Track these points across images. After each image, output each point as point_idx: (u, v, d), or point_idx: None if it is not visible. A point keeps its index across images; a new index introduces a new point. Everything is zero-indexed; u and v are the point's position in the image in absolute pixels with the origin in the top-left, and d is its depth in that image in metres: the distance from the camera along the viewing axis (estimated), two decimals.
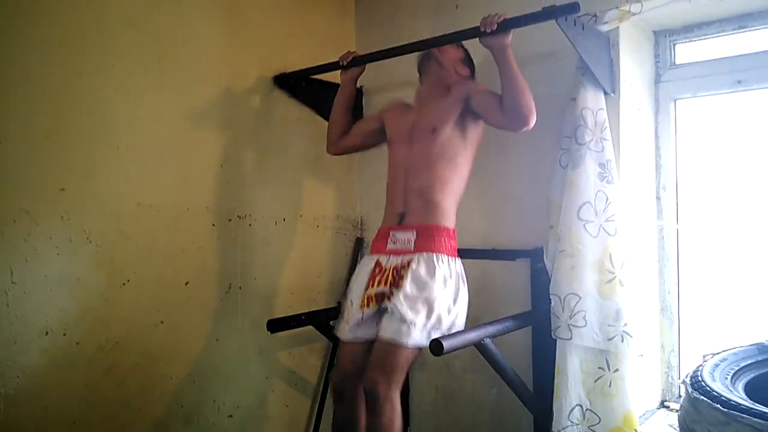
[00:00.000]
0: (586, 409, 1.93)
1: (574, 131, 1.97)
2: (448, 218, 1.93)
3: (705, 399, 1.19)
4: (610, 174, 1.96)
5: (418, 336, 1.75)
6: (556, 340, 1.96)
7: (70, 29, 1.89)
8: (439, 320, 1.80)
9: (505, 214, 2.33)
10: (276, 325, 2.11)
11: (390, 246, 1.93)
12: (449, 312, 1.84)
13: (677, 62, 2.23)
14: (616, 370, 1.91)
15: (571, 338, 1.90)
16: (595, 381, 1.93)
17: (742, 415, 1.10)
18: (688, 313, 2.23)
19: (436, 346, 1.66)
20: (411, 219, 1.93)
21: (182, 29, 2.17)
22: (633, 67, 2.13)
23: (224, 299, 2.29)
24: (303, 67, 2.45)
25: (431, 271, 1.82)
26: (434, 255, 1.85)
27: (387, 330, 1.77)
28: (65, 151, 1.88)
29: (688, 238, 2.24)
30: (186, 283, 2.17)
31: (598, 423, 1.92)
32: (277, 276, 2.48)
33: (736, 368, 1.37)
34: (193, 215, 2.20)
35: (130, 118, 2.02)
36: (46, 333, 1.83)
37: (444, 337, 1.70)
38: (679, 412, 1.30)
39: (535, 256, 2.17)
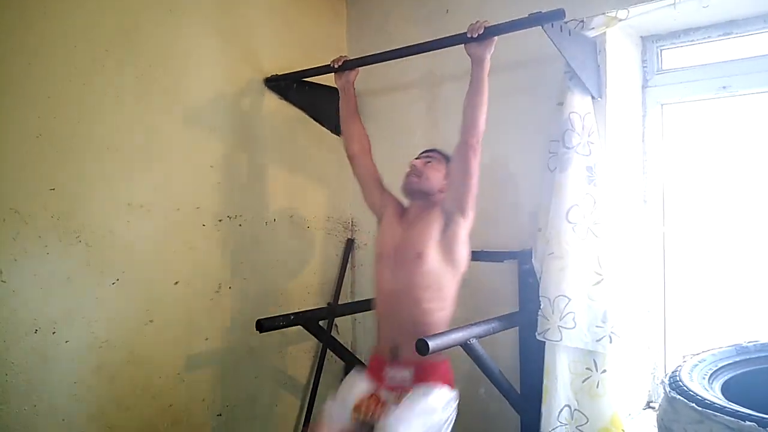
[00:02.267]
0: (575, 410, 1.96)
1: (562, 135, 2.00)
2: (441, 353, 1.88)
3: (682, 398, 1.21)
4: (597, 177, 1.99)
5: None
6: (543, 341, 1.98)
7: (61, 32, 1.90)
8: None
9: (493, 217, 2.35)
10: (265, 325, 2.12)
11: (389, 382, 1.91)
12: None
13: (664, 67, 2.26)
14: (604, 370, 1.93)
15: (561, 340, 1.92)
16: (583, 381, 1.96)
17: (716, 413, 1.12)
18: (674, 314, 2.26)
19: (422, 345, 1.68)
20: (406, 352, 1.88)
21: (174, 32, 2.19)
22: (620, 72, 2.16)
23: (214, 299, 2.30)
24: (293, 70, 2.46)
25: (427, 395, 1.81)
26: (431, 384, 1.84)
27: None
28: (55, 152, 1.89)
29: (674, 240, 2.27)
30: (176, 283, 2.18)
31: (586, 423, 1.94)
32: (267, 276, 2.49)
33: (714, 369, 1.39)
34: (184, 215, 2.21)
35: (121, 119, 2.04)
36: (35, 331, 1.84)
37: (430, 336, 1.72)
38: (658, 412, 1.32)
39: (522, 258, 2.19)
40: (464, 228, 1.93)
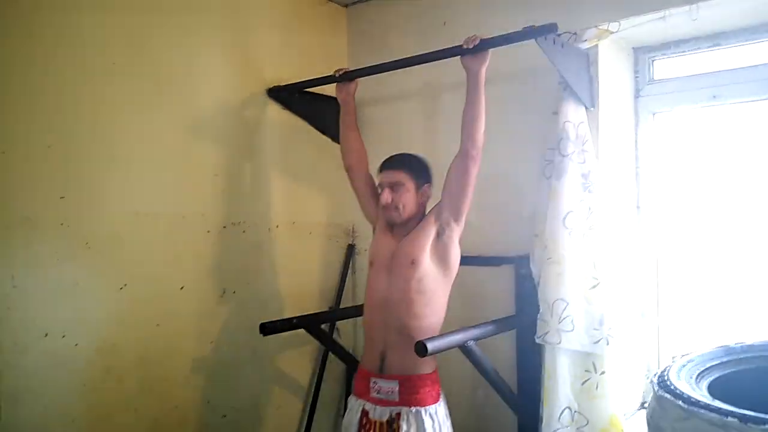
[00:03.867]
0: (575, 412, 2.00)
1: (558, 143, 2.06)
2: (428, 362, 1.93)
3: (669, 397, 1.27)
4: (592, 184, 2.04)
5: None
6: (539, 344, 2.03)
7: (71, 44, 1.97)
8: None
9: (490, 223, 2.41)
10: (268, 328, 2.17)
11: (374, 394, 1.95)
12: None
13: (656, 78, 2.33)
14: (603, 372, 1.98)
15: (560, 342, 1.97)
16: (583, 383, 2.00)
17: (701, 410, 1.18)
18: (667, 317, 2.31)
19: (420, 348, 1.74)
20: (392, 362, 1.93)
21: (180, 45, 2.25)
22: (612, 82, 2.23)
23: (219, 303, 2.36)
24: (295, 81, 2.53)
25: (422, 430, 1.86)
26: (422, 410, 1.89)
27: None
28: (65, 161, 1.95)
29: (667, 245, 2.32)
30: (182, 288, 2.24)
31: (586, 425, 1.99)
32: (271, 281, 2.55)
33: (702, 369, 1.45)
34: (189, 222, 2.27)
35: (128, 129, 2.10)
36: (46, 335, 1.89)
37: (428, 339, 1.78)
38: (647, 410, 1.37)
39: (519, 263, 2.25)
40: (457, 234, 1.99)
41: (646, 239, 2.33)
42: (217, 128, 2.38)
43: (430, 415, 1.89)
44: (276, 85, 2.55)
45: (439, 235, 1.97)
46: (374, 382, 1.95)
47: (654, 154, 2.34)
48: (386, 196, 1.99)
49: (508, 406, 2.19)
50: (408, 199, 2.00)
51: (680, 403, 1.23)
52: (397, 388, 1.91)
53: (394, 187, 1.99)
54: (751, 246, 2.15)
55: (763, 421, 1.09)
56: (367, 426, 1.94)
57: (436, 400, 1.93)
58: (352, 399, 2.05)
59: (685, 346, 1.99)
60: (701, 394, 1.25)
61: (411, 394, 1.90)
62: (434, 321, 1.96)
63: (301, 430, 2.64)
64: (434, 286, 1.95)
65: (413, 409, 1.89)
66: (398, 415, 1.89)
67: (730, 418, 1.13)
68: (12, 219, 1.83)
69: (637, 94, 2.35)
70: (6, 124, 1.82)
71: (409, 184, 2.00)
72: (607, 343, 1.95)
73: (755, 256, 2.14)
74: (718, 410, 1.16)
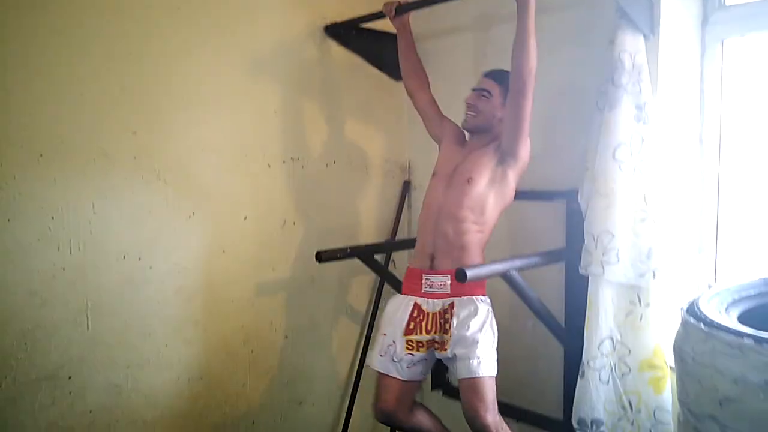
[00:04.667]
0: (617, 341, 2.02)
1: (612, 74, 2.00)
2: (477, 259, 2.05)
3: (693, 320, 1.28)
4: (647, 116, 1.99)
5: (485, 368, 1.93)
6: (587, 277, 2.05)
7: None
8: (489, 352, 1.97)
9: (543, 157, 2.38)
10: (324, 256, 2.30)
11: (426, 289, 2.07)
12: (493, 342, 2.00)
13: (727, 3, 2.18)
14: (648, 304, 1.98)
15: (603, 274, 1.99)
16: (626, 316, 2.01)
17: (720, 332, 1.19)
18: (726, 253, 2.25)
19: (460, 274, 1.81)
20: (442, 262, 2.06)
21: None
22: (677, 8, 2.11)
23: (279, 233, 2.51)
24: (352, 17, 2.56)
25: (474, 311, 1.98)
26: (474, 298, 2.00)
27: (463, 371, 1.94)
28: (136, 101, 2.10)
29: (730, 180, 2.23)
30: (245, 218, 2.40)
31: (629, 354, 2.01)
32: (328, 214, 2.67)
33: (736, 298, 1.43)
34: (251, 157, 2.40)
35: (193, 70, 2.22)
36: (124, 257, 2.10)
37: (470, 267, 1.84)
38: (675, 335, 1.39)
39: (570, 197, 2.24)
40: (514, 170, 2.07)
41: (708, 174, 2.25)
42: (276, 66, 2.46)
43: (482, 300, 2.02)
44: (333, 21, 2.59)
45: (497, 164, 2.06)
46: (426, 278, 2.08)
47: (721, 84, 2.22)
48: (470, 98, 2.14)
49: (555, 338, 2.24)
50: (487, 108, 2.11)
51: (702, 325, 1.24)
52: (448, 281, 2.03)
53: (482, 92, 2.12)
54: None
55: None
56: (420, 317, 2.07)
57: (484, 293, 2.05)
58: (398, 297, 2.17)
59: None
60: (725, 320, 1.26)
61: (462, 286, 1.99)
62: (480, 237, 2.07)
63: (358, 352, 2.80)
64: (486, 207, 2.06)
65: (465, 297, 2.01)
66: (451, 304, 2.02)
67: (746, 339, 1.13)
68: (91, 153, 2.01)
69: (705, 22, 2.22)
70: (83, 68, 1.98)
71: (496, 97, 2.11)
72: (654, 277, 1.94)
73: None
74: (735, 332, 1.16)
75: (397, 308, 2.13)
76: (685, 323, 1.32)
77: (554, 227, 2.35)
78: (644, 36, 2.02)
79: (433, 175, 2.22)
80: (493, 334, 2.01)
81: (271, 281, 2.49)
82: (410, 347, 2.07)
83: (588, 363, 2.01)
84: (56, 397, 1.98)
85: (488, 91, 2.11)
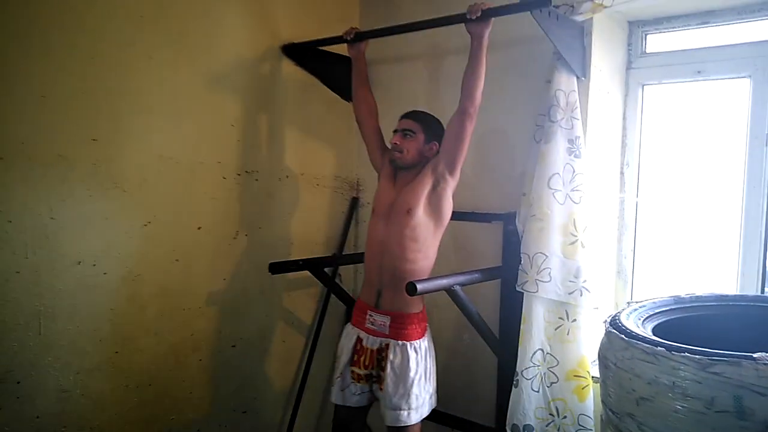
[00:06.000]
0: (547, 353, 2.22)
1: (548, 110, 2.22)
2: (417, 302, 2.19)
3: (615, 332, 1.49)
4: (578, 149, 2.21)
5: (414, 416, 2.13)
6: (521, 293, 2.25)
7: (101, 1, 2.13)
8: (422, 397, 2.16)
9: (483, 182, 2.60)
10: (277, 268, 2.40)
11: (368, 325, 2.21)
12: (427, 384, 2.18)
13: (648, 51, 2.47)
14: (574, 320, 2.19)
15: (537, 291, 2.18)
16: (556, 329, 2.21)
17: (638, 342, 1.39)
18: (641, 275, 2.52)
19: (410, 288, 1.95)
20: (386, 300, 2.19)
21: (201, 2, 2.40)
22: (605, 54, 2.37)
23: (231, 244, 2.57)
24: (308, 39, 2.68)
25: (406, 360, 2.13)
26: (407, 344, 2.15)
27: (390, 419, 2.14)
28: (96, 107, 2.12)
29: (646, 209, 2.51)
30: (199, 228, 2.45)
31: (557, 365, 2.21)
32: (280, 227, 2.76)
33: (651, 313, 1.66)
34: (207, 168, 2.47)
35: (153, 79, 2.27)
36: (79, 263, 2.12)
37: (418, 280, 1.99)
38: (599, 345, 1.59)
39: (507, 219, 2.44)
40: (451, 187, 2.21)
41: (627, 203, 2.51)
42: (234, 81, 2.55)
43: (414, 348, 2.16)
44: (290, 42, 2.71)
45: (434, 186, 2.19)
46: (370, 315, 2.21)
47: (640, 124, 2.50)
48: (396, 138, 2.25)
49: (490, 349, 2.42)
50: (413, 147, 2.24)
51: (623, 336, 1.44)
52: (388, 323, 2.17)
53: (405, 132, 2.24)
54: (723, 216, 2.33)
55: (681, 350, 1.30)
56: (361, 351, 2.22)
57: (421, 336, 2.19)
58: (348, 327, 2.32)
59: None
60: (643, 332, 1.47)
61: (399, 328, 2.16)
62: (425, 265, 2.20)
63: (303, 362, 2.89)
64: (426, 234, 2.18)
65: (400, 342, 2.15)
66: (387, 345, 2.16)
67: (659, 348, 1.34)
68: (49, 157, 2.02)
69: (628, 66, 2.49)
70: (45, 71, 2.00)
71: (419, 135, 2.24)
72: (581, 294, 2.15)
73: (723, 225, 2.32)
74: (650, 341, 1.37)
75: (347, 337, 2.29)
76: (608, 334, 1.52)
77: (492, 246, 2.55)
78: (577, 77, 2.26)
79: (373, 212, 2.33)
80: (427, 374, 2.18)
81: (222, 291, 2.55)
82: (353, 378, 2.24)
83: (522, 373, 2.20)
84: (3, 402, 1.97)
85: (411, 131, 2.24)
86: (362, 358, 2.22)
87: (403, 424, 2.12)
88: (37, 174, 2.00)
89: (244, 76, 2.59)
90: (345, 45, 2.52)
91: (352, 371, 2.24)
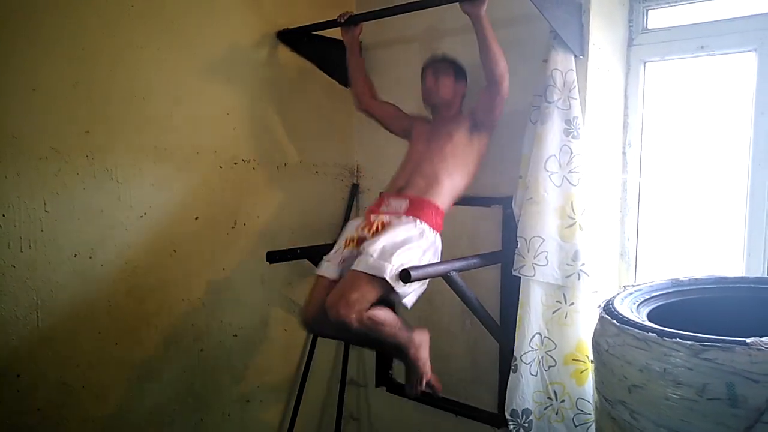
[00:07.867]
0: (545, 337, 2.19)
1: (544, 90, 2.17)
2: (442, 199, 2.18)
3: (608, 317, 1.45)
4: (576, 130, 2.16)
5: (388, 270, 1.91)
6: (520, 277, 2.22)
7: None
8: (394, 256, 1.96)
9: (483, 166, 2.53)
10: (274, 257, 2.39)
11: (383, 209, 2.20)
12: (420, 254, 2.07)
13: (649, 27, 2.40)
14: (572, 303, 2.15)
15: (534, 275, 2.15)
16: (553, 313, 2.18)
17: (629, 327, 1.36)
18: (645, 258, 2.47)
19: (404, 275, 1.93)
20: (408, 192, 2.19)
21: None
22: (604, 31, 2.30)
23: (230, 234, 2.57)
24: (304, 24, 2.64)
25: (409, 230, 2.07)
26: (418, 221, 2.10)
27: (361, 264, 1.99)
28: (90, 98, 2.12)
29: (649, 190, 2.45)
30: (196, 218, 2.45)
31: (555, 349, 2.18)
32: (278, 216, 2.75)
33: (647, 297, 1.61)
34: (203, 158, 2.46)
35: (146, 69, 2.26)
36: (75, 255, 2.12)
37: (413, 267, 1.96)
38: (593, 331, 1.56)
39: (506, 203, 2.40)
40: (484, 142, 2.29)
41: (629, 184, 2.46)
42: (229, 69, 2.52)
43: (423, 227, 2.10)
44: (286, 28, 2.67)
45: (471, 128, 2.26)
46: (387, 199, 2.22)
47: (642, 102, 2.43)
48: (429, 81, 2.31)
49: (491, 335, 2.40)
50: (447, 83, 2.31)
51: (614, 322, 1.41)
52: (405, 204, 2.16)
53: (436, 72, 2.32)
54: (726, 193, 2.27)
55: (673, 336, 1.27)
56: (366, 226, 2.19)
57: (434, 227, 2.15)
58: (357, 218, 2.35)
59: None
60: (636, 317, 1.43)
61: (416, 210, 2.13)
62: (457, 181, 2.23)
63: (305, 349, 2.89)
64: (466, 155, 2.25)
65: (411, 218, 2.12)
66: (395, 218, 2.14)
67: (650, 334, 1.31)
68: (42, 150, 2.02)
69: (629, 43, 2.42)
70: (36, 64, 2.00)
71: (450, 72, 2.32)
72: (579, 278, 2.11)
73: (728, 205, 2.25)
74: (642, 327, 1.34)
75: (352, 223, 2.31)
76: (601, 320, 1.49)
77: (492, 231, 2.51)
78: (575, 56, 2.20)
79: (412, 140, 2.39)
80: (420, 258, 2.02)
81: (221, 281, 2.55)
82: (345, 244, 2.23)
83: (520, 357, 2.17)
84: (3, 396, 1.99)
85: (444, 71, 2.31)
86: (362, 227, 2.19)
87: (372, 271, 1.91)
88: (30, 167, 2.01)
89: (240, 63, 2.56)
90: (340, 30, 2.48)
91: (346, 239, 2.21)
